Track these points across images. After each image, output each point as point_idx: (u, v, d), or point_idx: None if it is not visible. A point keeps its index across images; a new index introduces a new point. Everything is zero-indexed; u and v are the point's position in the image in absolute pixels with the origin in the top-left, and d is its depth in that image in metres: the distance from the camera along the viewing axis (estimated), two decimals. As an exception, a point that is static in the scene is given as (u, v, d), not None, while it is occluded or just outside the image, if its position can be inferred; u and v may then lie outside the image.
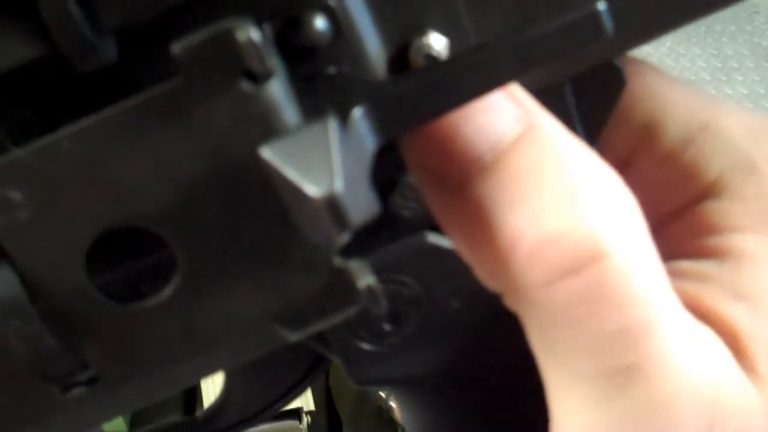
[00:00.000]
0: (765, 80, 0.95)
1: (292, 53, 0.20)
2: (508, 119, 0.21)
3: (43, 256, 0.20)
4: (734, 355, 0.23)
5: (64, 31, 0.19)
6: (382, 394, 0.90)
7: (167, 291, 0.20)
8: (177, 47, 0.18)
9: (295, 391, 0.31)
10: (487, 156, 0.21)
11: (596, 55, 0.24)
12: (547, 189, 0.20)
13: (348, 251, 0.24)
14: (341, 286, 0.20)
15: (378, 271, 0.26)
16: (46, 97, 0.21)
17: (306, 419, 0.90)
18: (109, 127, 0.19)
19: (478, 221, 0.21)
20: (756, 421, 0.22)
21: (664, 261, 0.25)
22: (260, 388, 0.32)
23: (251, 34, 0.18)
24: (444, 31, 0.22)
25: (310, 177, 0.17)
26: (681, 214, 0.27)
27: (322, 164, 0.18)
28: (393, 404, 0.89)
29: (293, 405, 0.88)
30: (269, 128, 0.18)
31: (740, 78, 0.95)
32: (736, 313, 0.24)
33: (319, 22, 0.21)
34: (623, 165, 0.27)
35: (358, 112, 0.19)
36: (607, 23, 0.19)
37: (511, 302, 0.22)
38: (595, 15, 0.19)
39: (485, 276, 0.22)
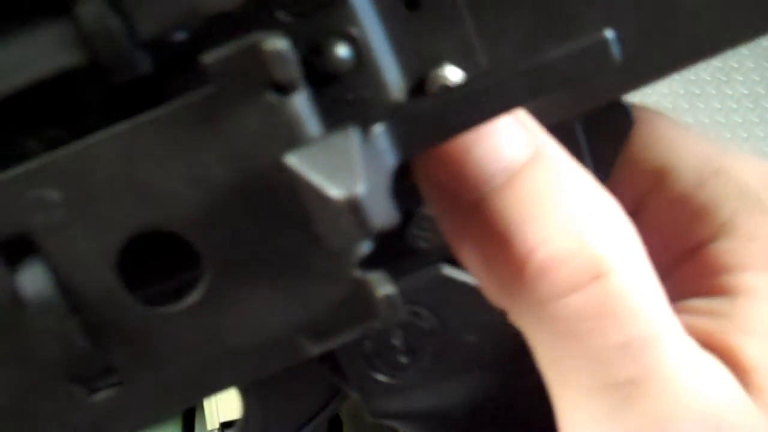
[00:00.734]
0: (765, 80, 0.94)
1: (316, 78, 0.22)
2: (518, 144, 0.22)
3: (77, 256, 0.20)
4: (743, 386, 0.23)
5: (102, 40, 0.20)
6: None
7: (195, 296, 0.21)
8: (209, 58, 0.19)
9: (312, 424, 0.32)
10: (499, 178, 0.22)
11: (607, 90, 0.25)
12: (554, 211, 0.22)
13: None
14: (361, 298, 0.21)
15: None
16: (76, 108, 0.22)
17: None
18: (144, 132, 0.20)
19: (489, 239, 0.22)
20: None
21: (678, 300, 0.26)
22: (277, 421, 0.32)
23: (279, 45, 0.19)
24: (459, 64, 0.24)
25: (334, 181, 0.18)
26: (693, 253, 0.28)
27: (345, 169, 0.19)
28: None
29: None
30: (293, 138, 0.20)
31: (740, 78, 0.94)
32: (745, 347, 0.24)
33: (342, 50, 0.22)
34: (636, 206, 0.28)
35: (378, 129, 0.20)
36: (615, 50, 0.21)
37: (518, 318, 0.23)
38: (604, 42, 0.20)
39: (494, 292, 0.23)
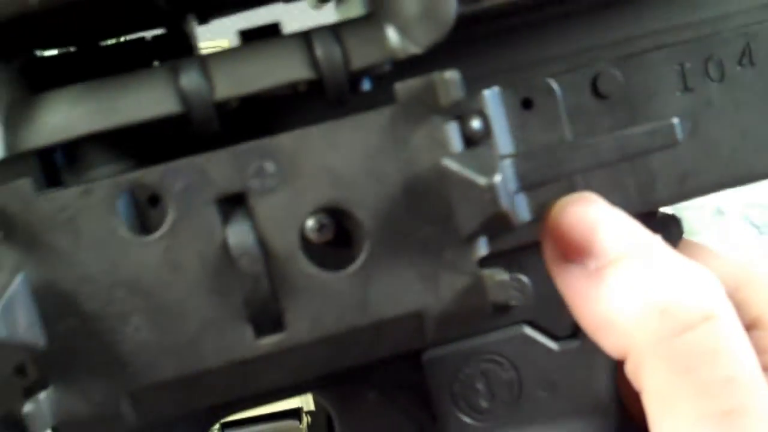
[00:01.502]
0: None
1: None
2: (629, 236, 0.28)
3: (275, 217, 0.26)
4: None
5: (198, 101, 0.26)
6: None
7: (355, 265, 0.26)
8: (399, 86, 0.26)
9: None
10: (607, 258, 0.28)
11: (664, 197, 0.33)
12: (673, 270, 0.28)
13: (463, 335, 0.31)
14: (477, 290, 0.27)
15: (481, 349, 0.33)
16: (153, 147, 0.27)
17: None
18: (344, 129, 0.26)
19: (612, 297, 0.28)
20: None
21: None
22: None
23: (449, 76, 0.26)
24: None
25: (480, 173, 0.26)
26: None
27: (487, 168, 0.26)
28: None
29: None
30: (446, 149, 0.26)
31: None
32: None
33: (476, 123, 0.28)
34: None
35: (507, 160, 0.28)
36: (679, 133, 0.29)
37: (637, 356, 0.27)
38: (671, 125, 0.29)
39: (615, 337, 0.28)
